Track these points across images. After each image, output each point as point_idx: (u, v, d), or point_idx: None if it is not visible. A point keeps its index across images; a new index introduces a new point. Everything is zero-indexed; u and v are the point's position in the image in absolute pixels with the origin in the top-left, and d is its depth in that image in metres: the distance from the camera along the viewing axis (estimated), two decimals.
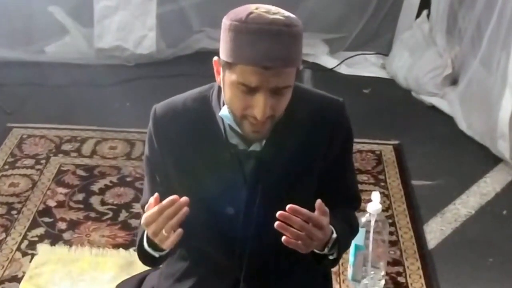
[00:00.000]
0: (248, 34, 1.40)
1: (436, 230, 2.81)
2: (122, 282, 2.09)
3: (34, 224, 2.75)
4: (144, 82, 3.88)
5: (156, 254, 1.59)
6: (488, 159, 3.26)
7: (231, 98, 1.48)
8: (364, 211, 2.39)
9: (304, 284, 1.74)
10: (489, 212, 2.95)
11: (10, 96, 3.67)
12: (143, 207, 1.55)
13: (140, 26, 4.04)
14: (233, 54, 1.43)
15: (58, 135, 3.36)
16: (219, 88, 1.57)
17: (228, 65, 1.45)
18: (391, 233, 2.69)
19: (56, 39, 4.10)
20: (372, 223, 2.37)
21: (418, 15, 4.06)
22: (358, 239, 2.34)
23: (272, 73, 1.41)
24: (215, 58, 1.51)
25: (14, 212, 2.82)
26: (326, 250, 1.56)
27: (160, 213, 1.42)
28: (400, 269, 2.58)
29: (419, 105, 3.78)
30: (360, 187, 1.88)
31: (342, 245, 1.60)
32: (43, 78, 3.84)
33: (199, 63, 3.66)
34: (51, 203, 2.87)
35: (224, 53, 1.45)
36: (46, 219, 2.78)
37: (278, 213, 1.39)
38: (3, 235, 2.69)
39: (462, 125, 3.47)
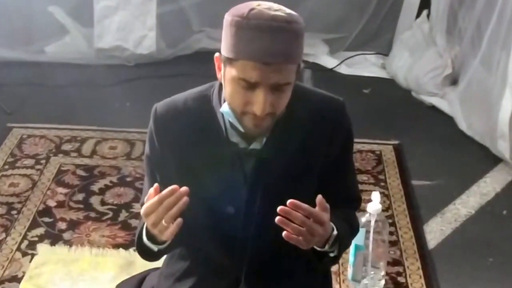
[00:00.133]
0: (249, 29, 1.41)
1: (436, 230, 2.81)
2: (122, 282, 2.10)
3: (34, 224, 2.75)
4: (144, 82, 3.88)
5: (155, 248, 1.59)
6: (488, 159, 3.26)
7: (232, 94, 1.48)
8: (364, 211, 2.39)
9: (304, 284, 1.74)
10: (489, 212, 2.95)
11: (10, 96, 3.67)
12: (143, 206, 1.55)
13: (140, 26, 4.04)
14: (234, 49, 1.43)
15: (58, 135, 3.36)
16: (220, 87, 1.57)
17: (229, 61, 1.46)
18: (391, 233, 2.69)
19: (56, 39, 4.10)
20: (372, 223, 2.37)
21: (418, 15, 4.06)
22: (358, 239, 2.34)
23: (272, 69, 1.42)
24: (217, 54, 1.52)
25: (14, 212, 2.82)
26: (326, 247, 1.56)
27: (160, 203, 1.42)
28: (400, 269, 2.58)
29: (419, 105, 3.78)
30: (360, 187, 1.88)
31: (342, 242, 1.60)
32: (43, 78, 3.84)
33: (199, 63, 3.66)
34: (51, 203, 2.87)
35: (225, 49, 1.46)
36: (46, 219, 2.78)
37: (279, 208, 1.39)
38: (3, 235, 2.69)
39: (462, 125, 3.47)
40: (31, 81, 3.83)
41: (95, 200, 2.90)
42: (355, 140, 1.71)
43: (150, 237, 1.56)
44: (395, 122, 3.60)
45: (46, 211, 2.83)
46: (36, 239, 2.67)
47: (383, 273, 2.50)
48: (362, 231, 2.32)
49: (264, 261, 1.68)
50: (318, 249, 1.56)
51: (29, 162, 3.15)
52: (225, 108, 1.52)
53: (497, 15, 3.24)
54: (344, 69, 4.11)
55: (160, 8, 4.05)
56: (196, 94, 1.63)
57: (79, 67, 3.99)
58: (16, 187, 2.97)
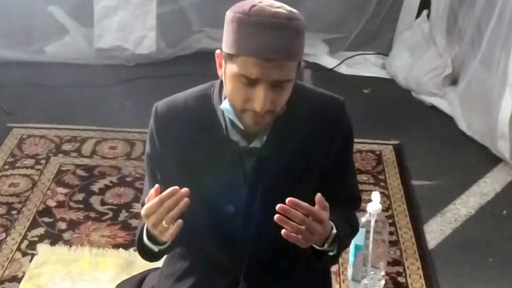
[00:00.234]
0: (251, 26, 1.42)
1: (436, 230, 2.81)
2: (122, 282, 2.10)
3: (34, 224, 2.75)
4: (144, 82, 3.88)
5: (155, 248, 1.59)
6: (488, 159, 3.26)
7: (232, 91, 1.48)
8: (364, 211, 2.39)
9: (304, 283, 1.74)
10: (489, 212, 2.95)
11: (10, 96, 3.67)
12: (143, 205, 1.55)
13: (140, 26, 4.04)
14: (235, 45, 1.44)
15: (58, 135, 3.36)
16: (220, 86, 1.58)
17: (230, 57, 1.46)
18: (391, 233, 2.69)
19: (56, 39, 4.10)
20: (372, 223, 2.37)
21: (418, 15, 4.06)
22: (358, 239, 2.34)
23: (273, 65, 1.42)
24: (218, 51, 1.52)
25: (14, 212, 2.82)
26: (326, 246, 1.56)
27: (160, 204, 1.42)
28: (400, 269, 2.58)
29: (419, 105, 3.78)
30: (360, 187, 1.88)
31: (342, 242, 1.60)
32: (43, 78, 3.84)
33: (199, 63, 3.66)
34: (51, 203, 2.87)
35: (226, 45, 1.47)
36: (46, 219, 2.78)
37: (278, 206, 1.39)
38: (3, 235, 2.69)
39: (462, 125, 3.47)
40: (31, 81, 3.83)
41: (95, 200, 2.90)
42: (355, 140, 1.70)
43: (151, 237, 1.56)
44: (395, 122, 3.60)
45: (46, 211, 2.83)
46: (36, 239, 2.67)
47: (383, 273, 2.50)
48: (362, 231, 2.32)
49: (264, 261, 1.68)
50: (318, 248, 1.56)
51: (29, 162, 3.15)
52: (225, 105, 1.53)
53: (497, 15, 3.24)
54: (344, 69, 4.11)
55: (160, 8, 4.05)
56: (197, 93, 1.63)
57: (79, 67, 3.99)
58: (16, 187, 2.97)
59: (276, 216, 1.39)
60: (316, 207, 1.44)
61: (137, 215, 2.75)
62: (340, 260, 2.56)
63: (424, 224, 2.83)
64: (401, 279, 2.54)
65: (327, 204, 1.46)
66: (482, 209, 2.96)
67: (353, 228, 1.74)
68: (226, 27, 1.46)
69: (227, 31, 1.46)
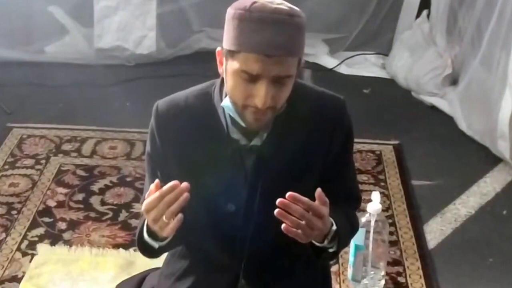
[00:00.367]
0: (251, 22, 1.42)
1: (436, 230, 2.81)
2: (122, 282, 2.10)
3: (34, 224, 2.75)
4: (144, 82, 3.88)
5: (156, 245, 1.59)
6: (488, 159, 3.26)
7: (233, 87, 1.48)
8: (364, 211, 2.39)
9: (304, 283, 1.74)
10: (489, 212, 2.95)
11: (10, 96, 3.67)
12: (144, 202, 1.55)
13: (140, 26, 4.04)
14: (236, 42, 1.44)
15: (58, 135, 3.36)
16: (221, 84, 1.58)
17: (231, 54, 1.46)
18: (391, 233, 2.69)
19: (56, 39, 4.10)
20: (372, 223, 2.37)
21: (418, 15, 4.06)
22: (358, 239, 2.34)
23: (274, 61, 1.43)
24: (219, 48, 1.53)
25: (14, 212, 2.82)
26: (325, 242, 1.55)
27: (160, 199, 1.42)
28: (400, 269, 2.58)
29: (419, 105, 3.78)
30: (360, 187, 1.88)
31: (341, 239, 1.59)
32: (43, 78, 3.84)
33: (199, 63, 3.67)
34: (51, 203, 2.87)
35: (227, 42, 1.47)
36: (46, 219, 2.78)
37: (278, 200, 1.39)
38: (3, 235, 2.69)
39: (462, 125, 3.47)
40: (31, 81, 3.83)
41: (95, 200, 2.90)
42: (355, 140, 1.71)
43: (151, 233, 1.56)
44: (395, 122, 3.60)
45: (46, 211, 2.83)
46: (36, 239, 2.67)
47: (383, 273, 2.50)
48: (362, 231, 2.32)
49: (264, 260, 1.68)
50: (317, 244, 1.56)
51: (29, 162, 3.15)
52: (226, 102, 1.53)
53: (497, 15, 3.24)
54: (344, 69, 4.11)
55: (160, 8, 4.05)
56: (198, 91, 1.64)
57: (79, 67, 3.99)
58: (16, 187, 2.97)
59: (276, 211, 1.39)
60: (316, 202, 1.44)
61: (137, 215, 2.75)
62: (340, 260, 2.56)
63: (424, 224, 2.83)
64: (401, 279, 2.54)
65: (327, 199, 1.45)
66: (482, 209, 2.96)
67: (353, 227, 1.74)
68: (227, 24, 1.47)
69: (228, 28, 1.46)
